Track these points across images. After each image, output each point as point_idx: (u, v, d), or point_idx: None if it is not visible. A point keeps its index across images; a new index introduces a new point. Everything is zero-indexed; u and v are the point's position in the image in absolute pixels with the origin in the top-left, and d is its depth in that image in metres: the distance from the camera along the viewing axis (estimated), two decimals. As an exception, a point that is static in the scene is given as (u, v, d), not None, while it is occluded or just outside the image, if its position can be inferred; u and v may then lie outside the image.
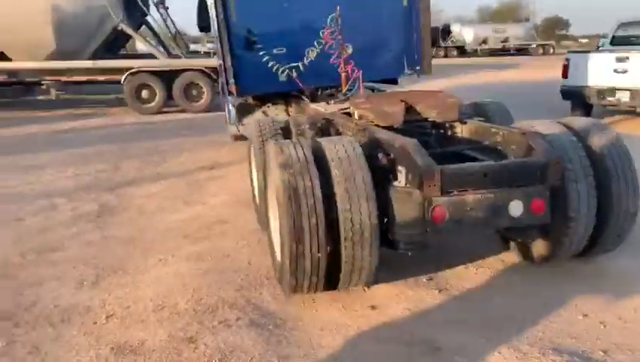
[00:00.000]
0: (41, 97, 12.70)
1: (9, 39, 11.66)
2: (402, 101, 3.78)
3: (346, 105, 4.40)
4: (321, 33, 5.10)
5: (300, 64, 5.47)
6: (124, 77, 11.96)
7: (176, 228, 4.48)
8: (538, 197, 2.81)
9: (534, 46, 39.73)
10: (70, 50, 11.94)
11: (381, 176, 2.89)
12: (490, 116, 4.33)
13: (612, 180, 3.08)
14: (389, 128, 3.51)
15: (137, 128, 10.35)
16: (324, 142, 2.98)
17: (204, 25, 6.91)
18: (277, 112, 6.16)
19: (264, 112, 6.26)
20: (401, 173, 2.88)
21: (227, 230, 4.33)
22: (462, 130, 3.78)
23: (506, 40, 39.08)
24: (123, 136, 9.38)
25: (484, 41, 38.98)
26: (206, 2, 6.30)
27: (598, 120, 3.57)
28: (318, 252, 2.69)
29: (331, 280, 2.87)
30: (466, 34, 38.84)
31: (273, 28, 5.65)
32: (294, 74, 5.52)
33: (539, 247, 3.25)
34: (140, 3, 12.63)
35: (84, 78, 12.41)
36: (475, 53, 38.81)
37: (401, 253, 2.91)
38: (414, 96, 3.93)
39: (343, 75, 5.12)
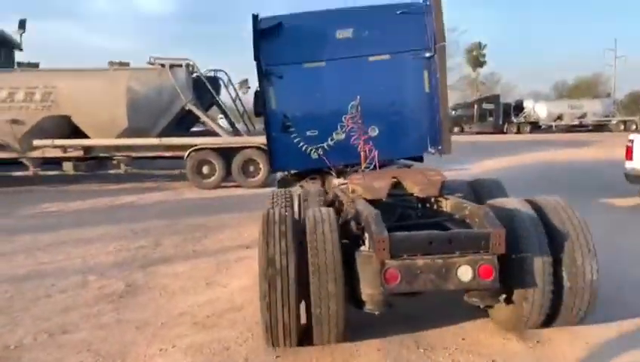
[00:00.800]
0: (112, 171, 13.54)
1: (89, 120, 12.73)
2: (394, 178, 4.31)
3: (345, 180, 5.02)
4: (343, 118, 5.75)
5: (324, 145, 6.15)
6: (187, 153, 12.58)
7: (189, 312, 4.39)
8: (486, 264, 3.11)
9: (614, 122, 37.92)
10: (141, 127, 12.80)
11: (353, 242, 3.42)
12: (484, 191, 5.00)
13: (566, 253, 3.40)
14: (376, 201, 3.97)
15: (192, 204, 10.67)
16: (308, 212, 3.51)
17: (259, 111, 7.50)
18: (313, 186, 6.39)
19: (301, 186, 6.62)
20: (366, 239, 3.32)
21: (237, 319, 4.18)
22: (443, 204, 4.20)
23: (583, 116, 37.68)
24: (176, 211, 9.67)
25: (560, 117, 37.80)
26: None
27: (560, 199, 3.76)
28: (289, 311, 3.16)
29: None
30: (539, 110, 37.92)
31: (307, 114, 6.38)
32: (321, 153, 6.17)
33: (504, 313, 3.59)
34: (209, 86, 13.43)
35: (151, 154, 13.18)
36: (549, 129, 37.61)
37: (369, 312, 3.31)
38: (405, 173, 4.53)
39: (362, 153, 5.67)
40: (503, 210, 3.52)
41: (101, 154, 13.28)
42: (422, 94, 6.46)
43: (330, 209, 3.63)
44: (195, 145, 12.67)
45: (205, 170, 12.69)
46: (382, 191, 4.13)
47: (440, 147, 6.53)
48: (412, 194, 4.20)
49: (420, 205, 4.32)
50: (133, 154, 13.15)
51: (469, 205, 3.75)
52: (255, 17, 6.34)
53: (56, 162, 13.42)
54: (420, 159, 7.05)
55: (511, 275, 3.30)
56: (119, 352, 3.66)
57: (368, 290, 3.22)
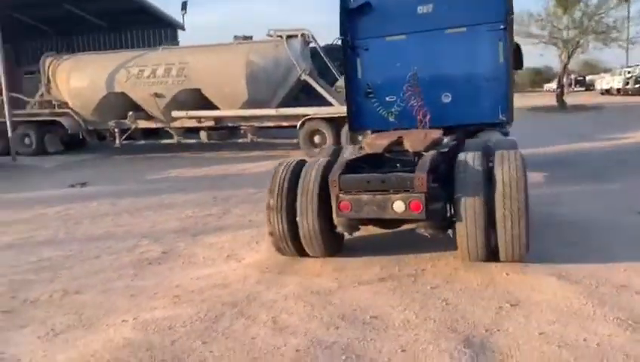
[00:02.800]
0: (240, 140, 14.46)
1: (215, 92, 13.70)
2: (399, 137, 5.11)
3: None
4: (404, 87, 6.71)
5: (392, 110, 7.20)
6: (299, 123, 12.81)
7: (183, 285, 4.49)
8: (415, 200, 3.94)
9: None
10: (260, 99, 13.36)
11: None
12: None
13: (500, 197, 3.97)
14: (379, 154, 4.98)
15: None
16: (308, 162, 4.87)
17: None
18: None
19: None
20: None
21: (211, 297, 4.12)
22: None
23: None
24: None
25: None
26: None
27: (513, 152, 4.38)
28: (282, 221, 4.55)
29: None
30: None
31: (387, 81, 7.28)
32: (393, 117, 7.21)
33: (458, 245, 4.24)
34: (323, 56, 13.33)
35: (271, 124, 13.72)
36: None
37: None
38: (410, 134, 5.32)
39: (419, 117, 6.46)
40: (457, 158, 4.33)
41: (229, 124, 14.24)
42: (496, 64, 6.93)
43: (328, 159, 4.91)
44: (308, 115, 12.80)
45: (317, 139, 12.79)
46: (380, 146, 5.02)
47: (508, 115, 7.13)
48: (406, 150, 4.98)
49: (415, 158, 4.84)
50: (256, 124, 13.82)
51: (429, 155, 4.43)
52: None
53: (195, 131, 14.83)
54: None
55: (455, 212, 4.10)
56: (94, 317, 3.92)
57: (335, 217, 4.36)
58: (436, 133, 5.26)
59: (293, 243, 4.66)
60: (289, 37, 13.14)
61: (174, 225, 6.82)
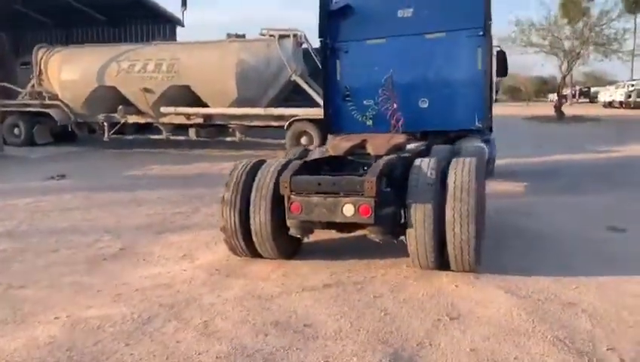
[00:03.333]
0: (228, 139, 14.36)
1: (205, 90, 13.61)
2: (363, 140, 5.10)
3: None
4: (379, 91, 7.01)
5: (367, 114, 7.26)
6: (287, 123, 12.71)
7: (131, 284, 4.38)
8: (364, 204, 3.87)
9: None
10: (250, 98, 13.26)
11: None
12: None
13: (450, 208, 3.90)
14: (339, 157, 4.99)
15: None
16: (267, 161, 4.76)
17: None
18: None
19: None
20: None
21: (150, 298, 4.01)
22: None
23: None
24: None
25: None
26: None
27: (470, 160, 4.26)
28: (233, 216, 4.47)
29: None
30: None
31: (365, 85, 7.28)
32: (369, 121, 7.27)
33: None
34: (315, 57, 13.24)
35: (260, 123, 13.62)
36: None
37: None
38: (374, 138, 5.27)
39: (393, 122, 6.84)
40: (412, 163, 4.24)
41: (218, 122, 14.14)
42: (474, 71, 6.86)
43: (288, 159, 4.95)
44: (296, 116, 12.70)
45: (304, 140, 12.66)
46: (341, 149, 5.04)
47: (484, 122, 7.08)
48: (368, 153, 4.98)
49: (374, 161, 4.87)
50: (245, 123, 13.72)
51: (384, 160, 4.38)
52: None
53: (185, 128, 14.72)
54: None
55: (407, 218, 3.99)
56: (29, 314, 3.82)
57: (287, 219, 4.26)
58: (400, 138, 5.26)
59: (245, 241, 4.56)
60: (281, 37, 13.03)
61: (140, 221, 6.73)
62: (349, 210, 3.88)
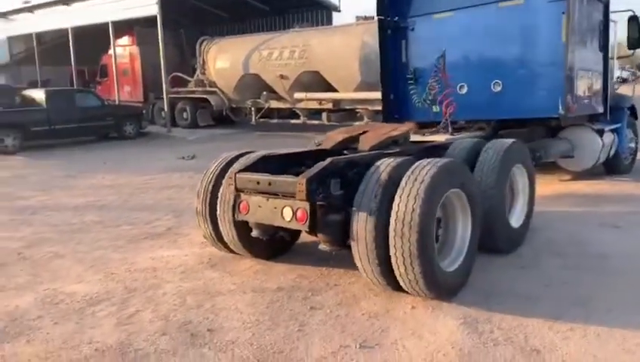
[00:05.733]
0: (356, 123, 14.29)
1: (333, 74, 13.74)
2: (362, 132, 4.70)
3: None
4: (432, 73, 6.21)
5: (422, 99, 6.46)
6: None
7: (137, 264, 4.72)
8: (301, 208, 3.44)
9: None
10: (372, 81, 12.94)
11: None
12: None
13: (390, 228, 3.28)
14: (325, 151, 4.52)
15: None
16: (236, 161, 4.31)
17: None
18: None
19: None
20: None
21: (138, 279, 4.28)
22: None
23: None
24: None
25: None
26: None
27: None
28: (211, 232, 4.37)
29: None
30: None
31: (430, 68, 6.38)
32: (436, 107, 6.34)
33: None
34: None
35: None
36: None
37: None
38: (375, 129, 4.82)
39: (444, 109, 5.98)
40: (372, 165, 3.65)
41: (346, 107, 14.18)
42: (558, 44, 5.66)
43: (263, 154, 4.34)
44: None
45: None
46: (331, 143, 4.68)
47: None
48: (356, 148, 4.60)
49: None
50: (369, 108, 13.50)
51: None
52: None
53: (319, 113, 15.14)
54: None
55: (351, 228, 3.41)
56: (37, 282, 4.37)
57: (235, 218, 3.94)
58: (400, 129, 4.61)
59: (226, 248, 4.45)
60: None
61: (147, 203, 7.34)
62: (287, 214, 3.50)
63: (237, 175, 3.81)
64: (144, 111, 17.24)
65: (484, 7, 6.02)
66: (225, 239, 4.31)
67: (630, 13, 6.98)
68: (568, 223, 5.33)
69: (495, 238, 4.17)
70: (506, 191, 4.31)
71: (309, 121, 15.47)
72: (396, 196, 3.29)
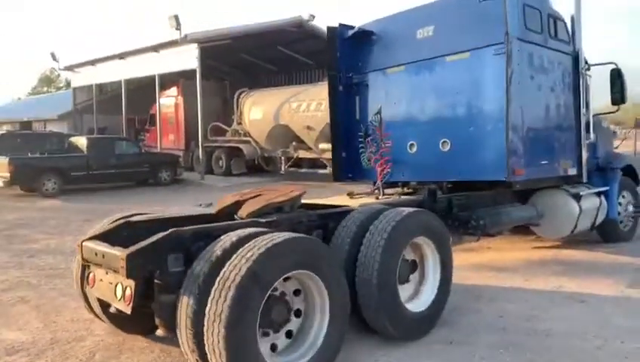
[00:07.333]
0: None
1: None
2: (251, 196, 4.20)
3: None
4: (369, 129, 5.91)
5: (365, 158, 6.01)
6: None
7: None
8: (129, 287, 3.00)
9: None
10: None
11: None
12: None
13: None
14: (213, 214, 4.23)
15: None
16: None
17: None
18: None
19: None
20: None
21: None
22: None
23: None
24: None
25: None
26: None
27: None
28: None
29: None
30: None
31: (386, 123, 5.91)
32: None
33: None
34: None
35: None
36: None
37: None
38: (264, 193, 4.26)
39: (379, 169, 5.63)
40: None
41: (370, 159, 14.12)
42: (501, 100, 5.07)
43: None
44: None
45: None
46: (218, 209, 4.26)
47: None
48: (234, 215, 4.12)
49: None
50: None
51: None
52: (333, 28, 6.35)
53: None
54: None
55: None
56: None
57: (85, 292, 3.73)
58: (288, 195, 4.08)
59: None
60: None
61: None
62: (119, 292, 3.06)
63: (83, 243, 3.44)
64: (180, 159, 17.96)
65: (433, 62, 5.66)
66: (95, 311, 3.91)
67: (612, 66, 6.36)
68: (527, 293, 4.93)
69: (384, 324, 3.68)
70: (396, 270, 3.73)
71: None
72: (216, 280, 2.87)
